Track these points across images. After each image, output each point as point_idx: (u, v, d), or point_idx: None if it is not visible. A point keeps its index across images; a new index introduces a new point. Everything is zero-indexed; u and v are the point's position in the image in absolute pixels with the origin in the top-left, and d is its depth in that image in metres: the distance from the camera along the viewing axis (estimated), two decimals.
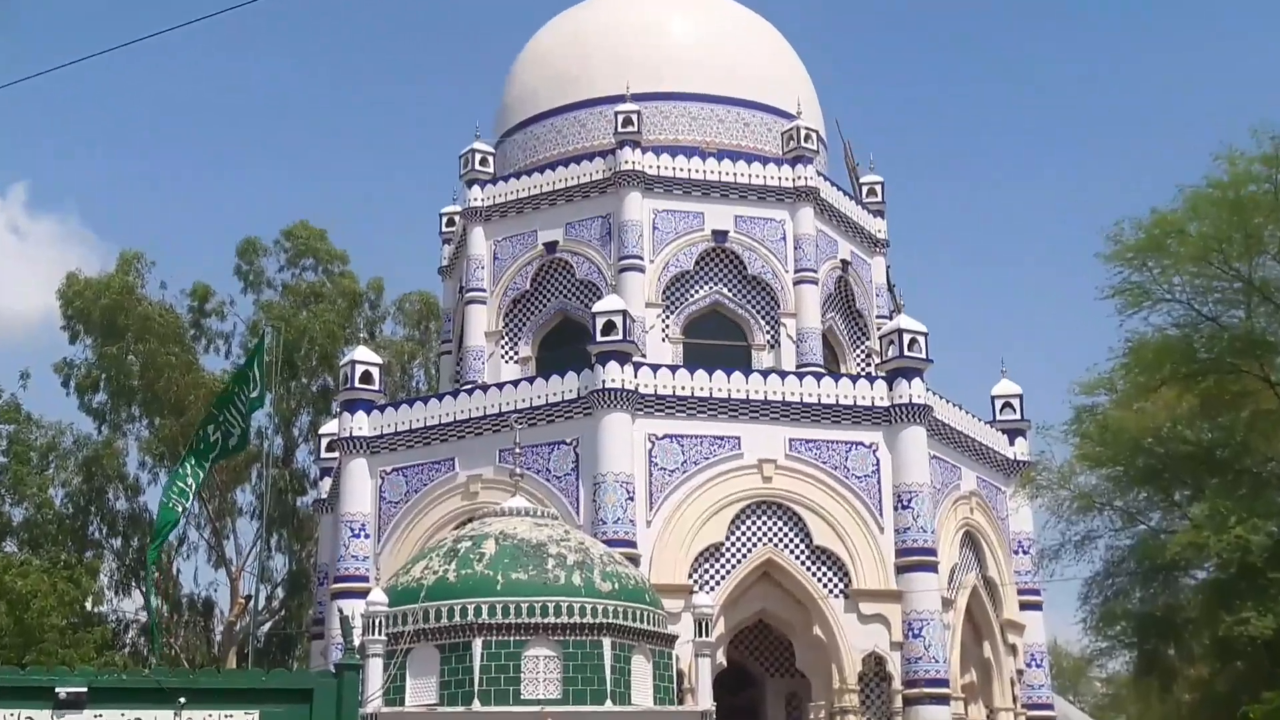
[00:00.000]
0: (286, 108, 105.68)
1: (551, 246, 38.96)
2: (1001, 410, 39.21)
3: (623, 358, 32.57)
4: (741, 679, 34.44)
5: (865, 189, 42.91)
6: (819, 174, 39.69)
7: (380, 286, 57.58)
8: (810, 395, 33.53)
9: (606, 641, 24.50)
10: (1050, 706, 38.04)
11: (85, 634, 41.53)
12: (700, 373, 33.34)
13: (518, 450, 29.24)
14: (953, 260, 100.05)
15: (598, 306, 33.68)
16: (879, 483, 33.12)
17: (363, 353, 36.36)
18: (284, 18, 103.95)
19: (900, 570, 32.43)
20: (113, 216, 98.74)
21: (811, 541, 32.55)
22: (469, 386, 36.24)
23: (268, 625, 54.50)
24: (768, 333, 38.02)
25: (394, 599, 25.27)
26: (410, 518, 34.09)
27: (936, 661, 31.86)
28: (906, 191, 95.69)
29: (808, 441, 33.14)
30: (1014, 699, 36.15)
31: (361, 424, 35.05)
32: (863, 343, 40.81)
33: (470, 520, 29.56)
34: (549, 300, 39.22)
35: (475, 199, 40.23)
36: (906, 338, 34.02)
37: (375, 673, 23.99)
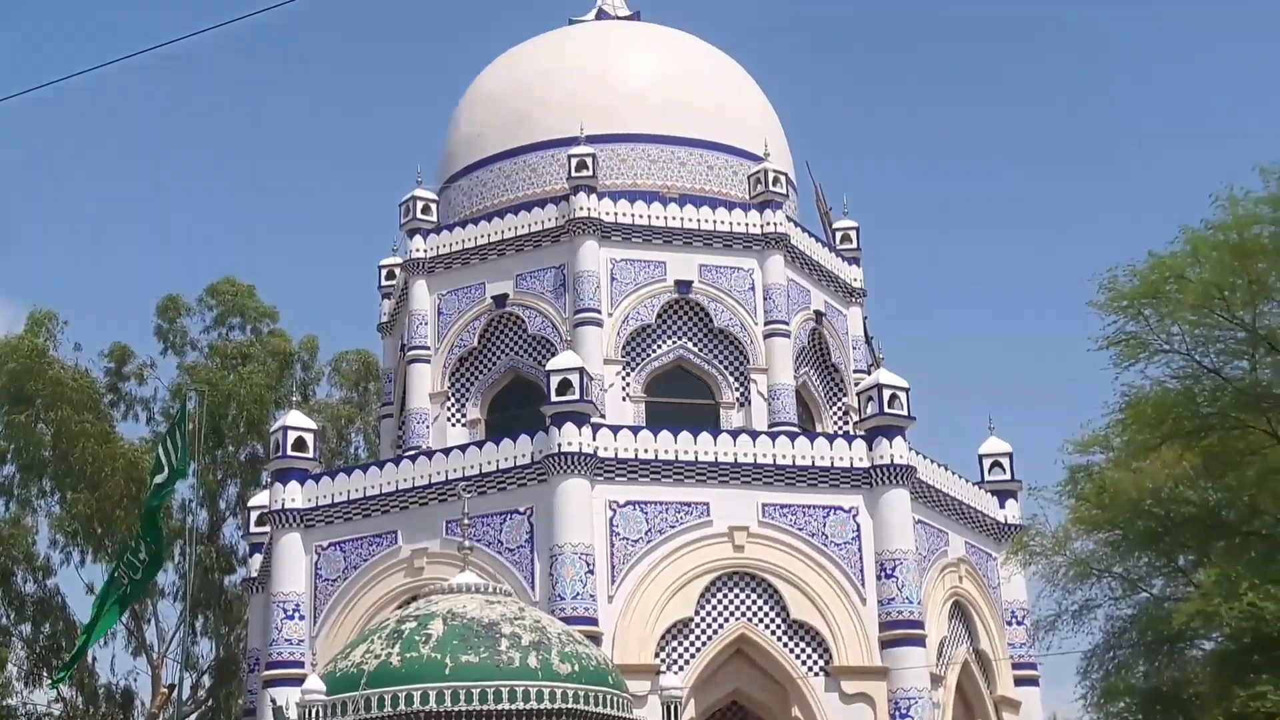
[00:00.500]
0: (212, 155, 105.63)
1: (501, 300, 39.00)
2: (990, 470, 39.32)
3: (580, 419, 32.53)
4: None
5: (839, 235, 43.18)
6: (789, 219, 39.93)
7: (314, 345, 57.61)
8: (784, 457, 33.57)
9: None
10: None
11: None
12: (664, 434, 33.34)
13: (466, 521, 29.08)
14: (936, 310, 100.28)
15: (552, 364, 33.67)
16: (860, 550, 33.13)
17: (295, 417, 36.22)
18: (208, 58, 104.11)
19: (885, 645, 32.37)
20: (21, 273, 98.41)
21: (788, 615, 32.50)
22: (412, 453, 36.08)
23: (194, 717, 53.94)
24: (737, 390, 38.11)
25: (332, 686, 25.02)
26: (349, 596, 33.85)
27: None
28: (884, 237, 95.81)
29: (782, 507, 33.14)
30: None
31: (294, 495, 34.85)
32: (839, 399, 40.93)
33: (415, 598, 29.41)
34: (499, 358, 39.21)
35: (417, 250, 40.24)
36: (887, 393, 34.13)
37: None
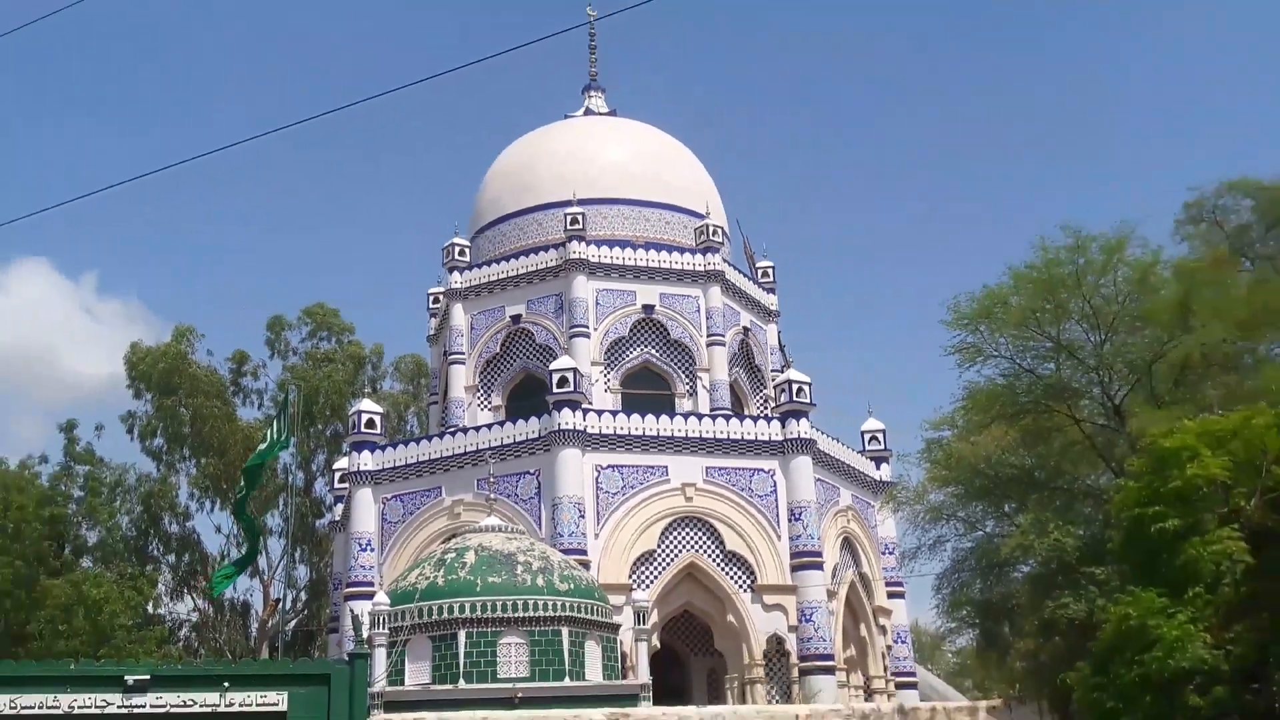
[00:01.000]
0: (310, 209, 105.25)
1: (516, 319, 38.86)
2: (869, 442, 39.39)
3: (574, 405, 32.49)
4: (672, 658, 34.20)
5: (760, 271, 43.08)
6: (724, 260, 39.87)
7: (381, 351, 57.15)
8: (721, 433, 33.56)
9: (565, 631, 24.39)
10: (913, 674, 38.04)
11: (148, 632, 41.35)
12: (635, 416, 33.29)
13: (491, 479, 29.13)
14: (830, 325, 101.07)
15: (554, 365, 33.59)
16: (776, 501, 33.13)
17: (367, 404, 36.08)
18: (294, 137, 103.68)
19: (794, 569, 32.40)
20: (166, 298, 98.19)
21: (725, 548, 32.48)
22: (452, 430, 35.93)
23: (293, 623, 53.53)
24: (687, 384, 38.04)
25: (394, 600, 25.01)
26: (406, 534, 33.69)
27: (824, 641, 31.82)
28: (794, 271, 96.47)
29: (720, 469, 33.12)
30: (884, 669, 36.10)
31: (367, 461, 34.69)
32: (761, 391, 40.90)
33: (454, 536, 29.37)
34: (515, 361, 39.04)
35: (455, 282, 40.07)
36: (795, 386, 34.20)
37: (380, 660, 23.71)
